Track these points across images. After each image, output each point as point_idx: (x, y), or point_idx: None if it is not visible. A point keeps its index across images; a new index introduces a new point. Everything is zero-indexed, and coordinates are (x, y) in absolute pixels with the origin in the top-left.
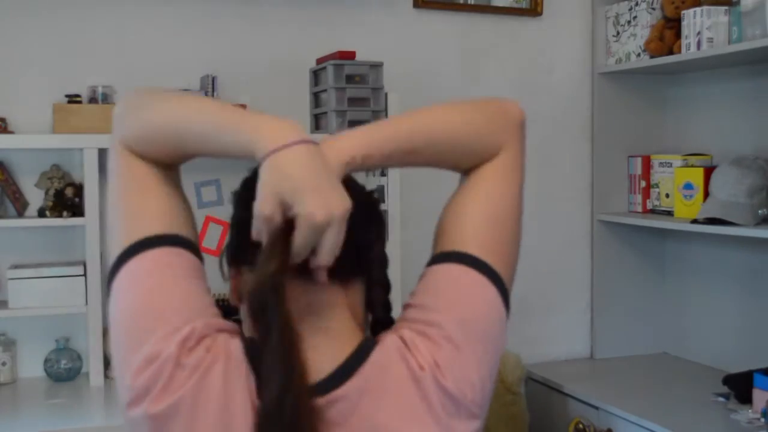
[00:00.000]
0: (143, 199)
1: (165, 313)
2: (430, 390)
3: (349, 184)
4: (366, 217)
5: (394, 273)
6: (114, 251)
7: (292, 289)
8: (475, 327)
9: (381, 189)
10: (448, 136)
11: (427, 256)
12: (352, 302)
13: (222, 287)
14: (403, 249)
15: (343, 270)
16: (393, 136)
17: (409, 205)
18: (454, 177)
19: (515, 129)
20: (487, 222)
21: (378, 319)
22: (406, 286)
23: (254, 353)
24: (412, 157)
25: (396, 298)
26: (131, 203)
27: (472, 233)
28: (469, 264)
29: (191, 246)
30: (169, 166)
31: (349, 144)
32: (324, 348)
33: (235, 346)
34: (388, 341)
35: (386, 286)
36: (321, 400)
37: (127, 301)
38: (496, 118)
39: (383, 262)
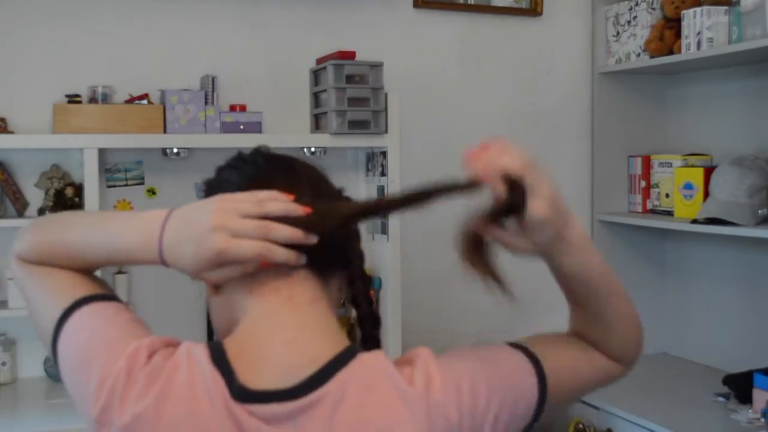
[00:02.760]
0: (56, 280)
1: (110, 342)
2: (417, 410)
3: (321, 182)
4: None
5: (394, 273)
6: (49, 326)
7: (275, 277)
8: (489, 362)
9: (381, 189)
10: (619, 305)
11: (427, 255)
12: (330, 299)
13: None
14: (403, 249)
15: (322, 263)
16: (589, 271)
17: None
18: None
19: (636, 359)
20: (569, 370)
21: (364, 314)
22: (406, 286)
23: (219, 357)
24: (584, 294)
25: (396, 298)
26: (47, 286)
27: (552, 360)
28: (531, 359)
29: (116, 299)
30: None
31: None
32: (300, 345)
33: (200, 351)
34: (373, 355)
35: (367, 280)
36: (299, 403)
37: (71, 348)
38: (640, 337)
39: (361, 257)
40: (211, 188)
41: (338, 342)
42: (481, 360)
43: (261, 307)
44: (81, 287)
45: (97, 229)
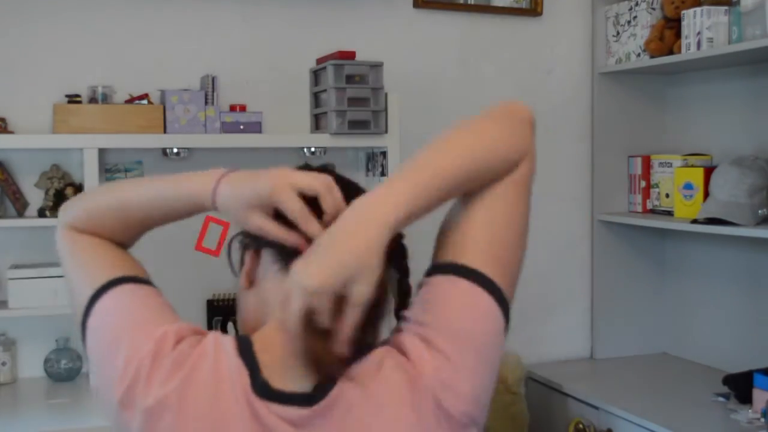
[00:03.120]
0: (97, 255)
1: (139, 324)
2: (421, 397)
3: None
4: (400, 253)
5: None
6: (82, 301)
7: None
8: (468, 337)
9: None
10: (480, 170)
11: (426, 255)
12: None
13: (221, 288)
14: None
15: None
16: (433, 187)
17: None
18: None
19: (530, 134)
20: (491, 234)
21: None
22: None
23: (246, 350)
24: (454, 194)
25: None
26: (87, 260)
27: (475, 245)
28: (467, 277)
29: (151, 283)
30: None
31: (394, 203)
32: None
33: (228, 342)
34: (382, 348)
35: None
36: (315, 409)
37: (104, 325)
38: (513, 129)
39: (408, 293)
40: None
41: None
42: (444, 316)
43: None
44: (118, 267)
45: (154, 184)
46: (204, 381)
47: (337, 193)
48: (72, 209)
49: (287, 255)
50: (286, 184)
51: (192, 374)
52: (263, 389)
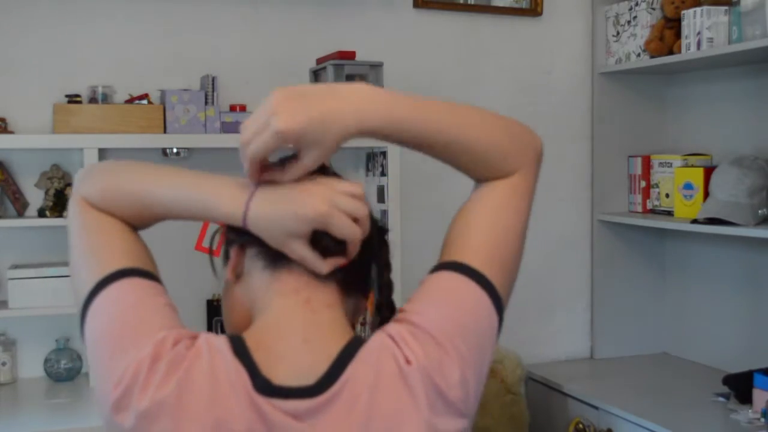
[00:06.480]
0: (108, 239)
1: (140, 325)
2: (416, 384)
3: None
4: (379, 243)
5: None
6: (85, 286)
7: (296, 280)
8: (460, 326)
9: (381, 189)
10: (468, 139)
11: (427, 255)
12: (346, 309)
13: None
14: (403, 249)
15: (352, 282)
16: (415, 119)
17: (409, 205)
18: (454, 178)
19: (534, 157)
20: (491, 237)
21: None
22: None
23: (241, 349)
24: (424, 147)
25: (396, 299)
26: (97, 242)
27: (475, 246)
28: (462, 272)
29: (158, 280)
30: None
31: (367, 111)
32: (318, 343)
33: (221, 342)
34: (376, 338)
35: (392, 310)
36: (318, 399)
37: (105, 320)
38: (519, 140)
39: (390, 287)
40: None
41: (345, 335)
42: (432, 306)
43: (280, 304)
44: (130, 257)
45: (179, 181)
46: (201, 382)
47: (367, 221)
48: (89, 184)
49: (272, 254)
50: (332, 208)
51: (188, 375)
52: (265, 387)
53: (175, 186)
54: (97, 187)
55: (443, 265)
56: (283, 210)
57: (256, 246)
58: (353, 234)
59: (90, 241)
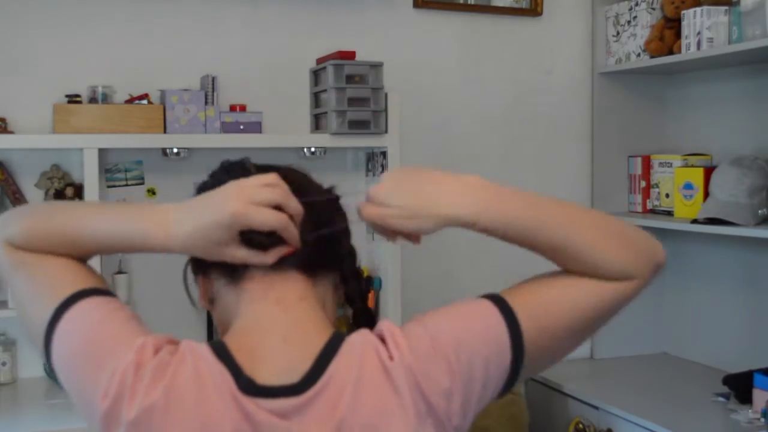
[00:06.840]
0: (54, 269)
1: (114, 336)
2: (399, 379)
3: (307, 184)
4: (329, 212)
5: (394, 274)
6: (43, 316)
7: (259, 283)
8: (455, 339)
9: None
10: (575, 242)
11: (427, 255)
12: (322, 297)
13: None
14: (403, 250)
15: (311, 263)
16: (518, 217)
17: None
18: None
19: (652, 269)
20: (550, 301)
21: (358, 310)
22: (407, 287)
23: (222, 352)
24: (526, 245)
25: (396, 299)
26: (43, 275)
27: (526, 294)
28: (494, 302)
29: (113, 294)
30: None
31: (475, 205)
32: (297, 341)
33: (202, 348)
34: (359, 334)
35: (359, 277)
36: (303, 397)
37: (76, 338)
38: (636, 250)
39: (353, 254)
40: (204, 190)
41: (325, 331)
42: (443, 315)
43: (253, 310)
44: (79, 280)
45: (103, 216)
46: (187, 386)
47: (291, 196)
48: (10, 226)
49: (228, 269)
50: (245, 205)
51: (174, 380)
52: (249, 387)
53: (101, 222)
54: (19, 228)
55: (485, 294)
56: (202, 222)
57: (214, 267)
58: (278, 222)
59: (35, 276)
